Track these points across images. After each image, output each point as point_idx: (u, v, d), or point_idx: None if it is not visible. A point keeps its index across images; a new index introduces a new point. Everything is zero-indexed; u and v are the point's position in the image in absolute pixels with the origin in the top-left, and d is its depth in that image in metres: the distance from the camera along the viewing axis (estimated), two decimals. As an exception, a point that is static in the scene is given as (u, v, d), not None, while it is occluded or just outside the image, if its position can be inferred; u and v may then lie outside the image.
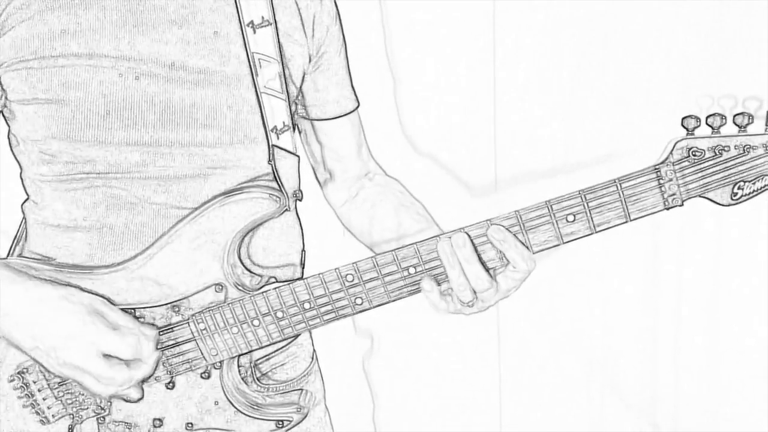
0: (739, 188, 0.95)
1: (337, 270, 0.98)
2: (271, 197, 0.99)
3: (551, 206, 0.95)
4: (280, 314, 0.98)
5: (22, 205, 1.06)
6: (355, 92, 1.17)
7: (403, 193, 1.15)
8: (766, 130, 0.95)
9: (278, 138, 1.02)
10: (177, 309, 0.98)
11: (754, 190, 0.95)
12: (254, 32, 1.02)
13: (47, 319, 0.93)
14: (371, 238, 1.12)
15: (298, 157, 1.06)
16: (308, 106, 1.12)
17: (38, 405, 0.97)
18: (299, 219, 1.10)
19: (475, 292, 0.97)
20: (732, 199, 0.95)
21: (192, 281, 0.98)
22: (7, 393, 0.98)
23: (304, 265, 1.10)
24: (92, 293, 0.96)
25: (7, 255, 1.05)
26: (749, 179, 0.94)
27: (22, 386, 0.97)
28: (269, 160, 1.01)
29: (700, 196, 0.95)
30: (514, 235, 0.95)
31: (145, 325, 0.96)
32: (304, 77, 1.09)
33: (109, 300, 0.97)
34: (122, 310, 0.97)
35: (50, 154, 0.98)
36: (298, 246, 1.07)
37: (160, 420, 0.99)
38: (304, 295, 0.98)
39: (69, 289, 0.95)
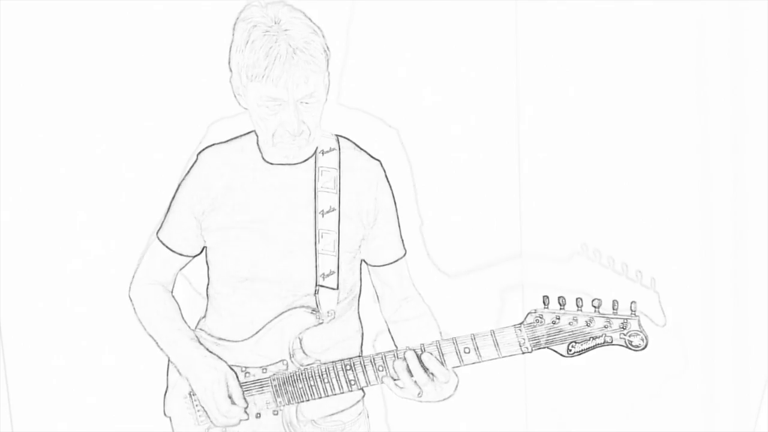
0: (572, 346, 1.45)
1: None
2: (312, 313, 1.69)
3: (456, 341, 1.53)
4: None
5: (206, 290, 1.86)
6: (402, 242, 1.79)
7: (426, 316, 1.77)
8: (610, 310, 1.43)
9: (324, 279, 1.70)
10: (265, 370, 1.73)
11: (585, 348, 1.44)
12: (323, 216, 1.70)
13: (202, 378, 1.74)
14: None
15: (338, 289, 1.72)
16: (363, 254, 1.77)
17: (196, 413, 1.78)
18: (360, 319, 1.77)
19: (419, 388, 1.58)
20: (568, 353, 1.45)
21: (275, 356, 1.72)
22: (180, 402, 1.81)
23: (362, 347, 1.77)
24: (231, 367, 1.75)
25: (196, 327, 1.87)
26: (579, 341, 1.44)
27: (191, 401, 1.79)
28: (315, 293, 1.70)
29: (546, 347, 1.46)
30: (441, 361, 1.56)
31: (241, 400, 1.73)
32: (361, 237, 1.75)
33: (236, 375, 1.74)
34: (239, 383, 1.74)
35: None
36: (353, 339, 1.74)
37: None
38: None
39: (219, 362, 1.75)
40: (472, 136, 1.87)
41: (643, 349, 1.41)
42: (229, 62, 1.72)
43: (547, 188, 1.83)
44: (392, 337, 1.78)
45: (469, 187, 1.87)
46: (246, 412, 1.73)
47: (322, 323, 1.70)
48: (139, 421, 1.91)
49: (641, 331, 1.41)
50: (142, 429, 1.90)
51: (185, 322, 1.81)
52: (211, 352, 1.76)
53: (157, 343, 1.81)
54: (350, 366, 1.63)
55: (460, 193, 1.87)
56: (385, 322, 1.78)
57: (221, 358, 1.75)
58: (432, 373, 1.57)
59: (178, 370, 1.79)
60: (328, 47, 1.69)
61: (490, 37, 1.87)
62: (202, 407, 1.75)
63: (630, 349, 1.42)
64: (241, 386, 1.74)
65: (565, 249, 1.78)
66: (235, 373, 1.74)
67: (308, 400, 1.69)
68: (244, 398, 1.73)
